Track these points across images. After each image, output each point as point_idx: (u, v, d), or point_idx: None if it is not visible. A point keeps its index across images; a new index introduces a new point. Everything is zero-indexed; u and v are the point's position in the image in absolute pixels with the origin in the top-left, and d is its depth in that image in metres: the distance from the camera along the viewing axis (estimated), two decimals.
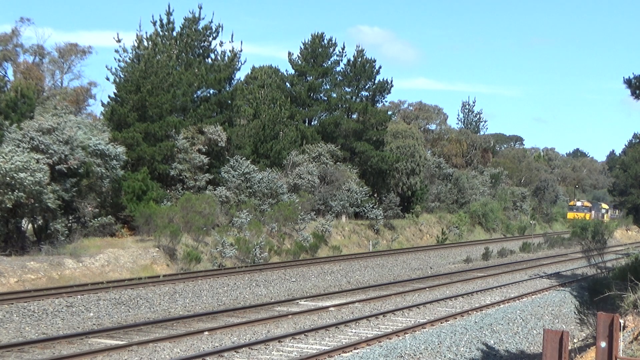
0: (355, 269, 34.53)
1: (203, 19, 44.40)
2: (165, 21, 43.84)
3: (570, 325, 21.18)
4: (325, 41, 55.55)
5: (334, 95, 55.66)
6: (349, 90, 56.55)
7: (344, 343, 17.16)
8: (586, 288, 25.25)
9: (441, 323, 20.47)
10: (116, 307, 21.69)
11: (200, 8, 44.56)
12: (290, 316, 21.16)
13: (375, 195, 54.18)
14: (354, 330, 19.17)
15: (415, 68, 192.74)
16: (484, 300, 25.79)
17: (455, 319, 21.32)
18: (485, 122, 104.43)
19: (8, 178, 25.45)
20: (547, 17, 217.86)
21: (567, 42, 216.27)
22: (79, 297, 22.03)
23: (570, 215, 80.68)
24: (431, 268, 37.92)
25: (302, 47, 55.62)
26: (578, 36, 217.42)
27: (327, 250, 40.81)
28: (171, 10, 43.82)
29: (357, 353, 16.05)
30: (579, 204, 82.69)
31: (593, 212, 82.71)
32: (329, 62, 55.73)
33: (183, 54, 43.81)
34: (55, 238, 27.97)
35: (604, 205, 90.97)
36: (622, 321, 8.86)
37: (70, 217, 29.94)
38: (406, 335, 18.47)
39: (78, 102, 46.44)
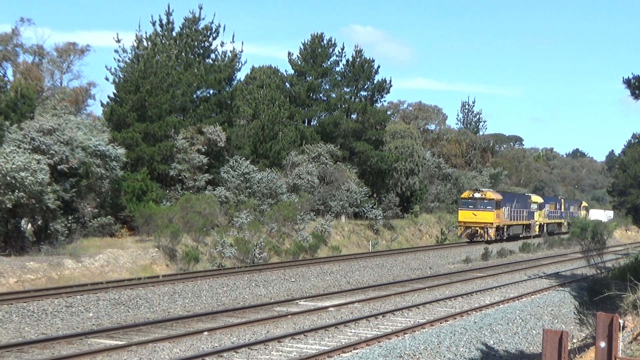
0: (355, 269, 34.52)
1: (203, 19, 44.47)
2: (164, 21, 43.88)
3: (570, 325, 21.18)
4: (325, 41, 55.63)
5: (334, 95, 55.75)
6: (348, 90, 56.63)
7: (343, 343, 17.15)
8: (586, 288, 25.24)
9: (440, 323, 20.46)
10: (115, 308, 21.69)
11: (201, 8, 44.63)
12: (289, 316, 21.15)
13: (375, 195, 54.21)
14: (353, 331, 19.16)
15: (411, 68, 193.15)
16: (484, 301, 25.78)
17: (455, 319, 21.31)
18: (485, 122, 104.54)
19: (9, 178, 25.44)
20: (546, 17, 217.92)
21: (566, 42, 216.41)
22: (78, 297, 22.02)
23: (462, 214, 52.51)
24: (430, 268, 37.91)
25: (302, 47, 55.70)
26: (577, 36, 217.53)
27: (326, 251, 40.82)
28: (171, 11, 43.91)
29: (357, 353, 16.05)
30: (477, 195, 52.19)
31: (506, 209, 55.28)
32: (329, 62, 55.80)
33: (183, 54, 43.83)
34: (55, 238, 27.97)
35: (536, 199, 65.06)
36: (621, 321, 8.87)
37: (70, 217, 29.94)
38: (405, 335, 18.46)
39: (77, 102, 46.47)
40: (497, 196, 53.71)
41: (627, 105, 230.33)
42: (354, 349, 16.64)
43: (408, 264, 38.14)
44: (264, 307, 22.80)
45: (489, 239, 51.77)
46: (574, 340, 17.93)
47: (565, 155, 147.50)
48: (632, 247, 53.95)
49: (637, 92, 24.62)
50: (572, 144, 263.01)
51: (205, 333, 18.31)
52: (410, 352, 16.12)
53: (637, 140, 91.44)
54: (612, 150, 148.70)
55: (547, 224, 67.76)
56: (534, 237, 59.94)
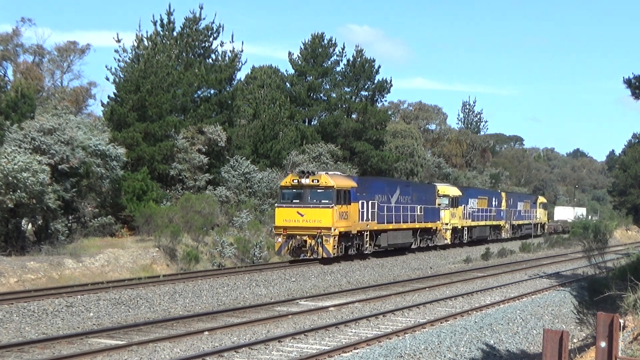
0: (355, 269, 34.50)
1: (204, 19, 44.56)
2: (165, 21, 43.94)
3: (570, 325, 21.18)
4: (325, 41, 55.67)
5: (334, 95, 55.81)
6: (349, 90, 56.67)
7: (343, 343, 17.14)
8: (586, 288, 25.24)
9: (441, 323, 20.45)
10: (116, 307, 21.68)
11: (202, 8, 44.83)
12: (290, 316, 21.15)
13: None
14: (353, 330, 19.16)
15: (409, 67, 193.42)
16: (484, 300, 25.78)
17: (455, 319, 21.31)
18: (486, 122, 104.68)
19: (10, 178, 25.44)
20: (545, 18, 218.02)
21: (565, 42, 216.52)
22: (79, 297, 22.01)
23: (281, 214, 31.74)
24: (431, 268, 37.89)
25: (302, 47, 55.75)
26: (576, 36, 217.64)
27: None
28: (172, 10, 43.95)
29: (357, 353, 16.04)
30: (305, 181, 31.34)
31: (366, 204, 33.56)
32: (329, 62, 55.84)
33: (183, 54, 43.89)
34: (56, 238, 27.97)
35: (446, 190, 45.10)
36: (622, 321, 8.88)
37: (71, 217, 29.96)
38: (406, 335, 18.46)
39: (78, 102, 46.58)
40: (344, 182, 32.52)
41: (625, 105, 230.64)
42: (355, 348, 16.63)
43: (408, 264, 38.11)
44: (264, 307, 22.80)
45: (325, 255, 31.16)
46: (575, 340, 17.95)
47: (565, 155, 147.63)
48: (633, 247, 53.94)
49: (637, 92, 24.65)
50: (572, 144, 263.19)
51: (206, 333, 18.31)
52: (410, 352, 16.12)
53: (637, 140, 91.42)
54: (613, 150, 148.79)
55: (471, 227, 48.73)
56: (440, 248, 43.68)
